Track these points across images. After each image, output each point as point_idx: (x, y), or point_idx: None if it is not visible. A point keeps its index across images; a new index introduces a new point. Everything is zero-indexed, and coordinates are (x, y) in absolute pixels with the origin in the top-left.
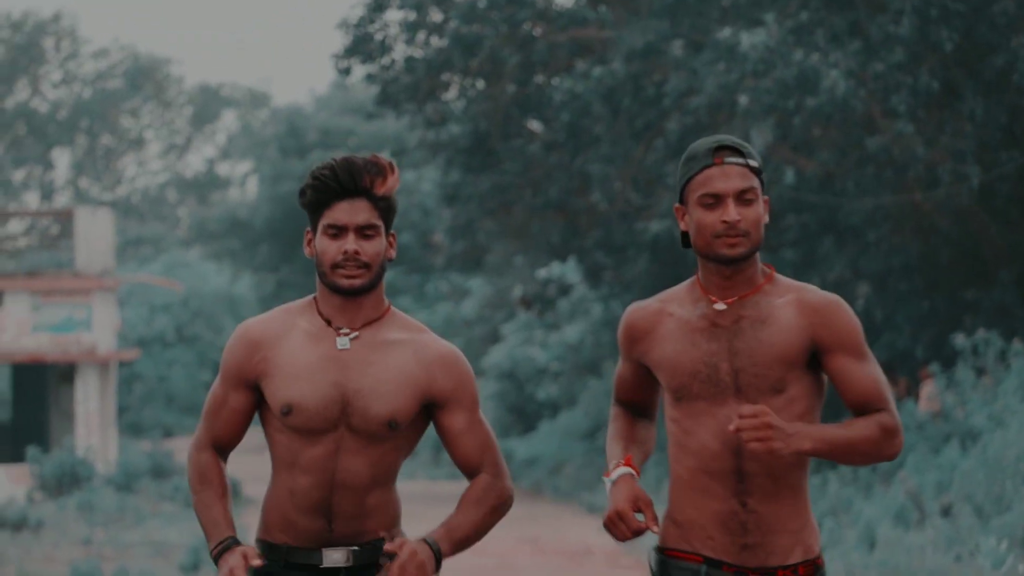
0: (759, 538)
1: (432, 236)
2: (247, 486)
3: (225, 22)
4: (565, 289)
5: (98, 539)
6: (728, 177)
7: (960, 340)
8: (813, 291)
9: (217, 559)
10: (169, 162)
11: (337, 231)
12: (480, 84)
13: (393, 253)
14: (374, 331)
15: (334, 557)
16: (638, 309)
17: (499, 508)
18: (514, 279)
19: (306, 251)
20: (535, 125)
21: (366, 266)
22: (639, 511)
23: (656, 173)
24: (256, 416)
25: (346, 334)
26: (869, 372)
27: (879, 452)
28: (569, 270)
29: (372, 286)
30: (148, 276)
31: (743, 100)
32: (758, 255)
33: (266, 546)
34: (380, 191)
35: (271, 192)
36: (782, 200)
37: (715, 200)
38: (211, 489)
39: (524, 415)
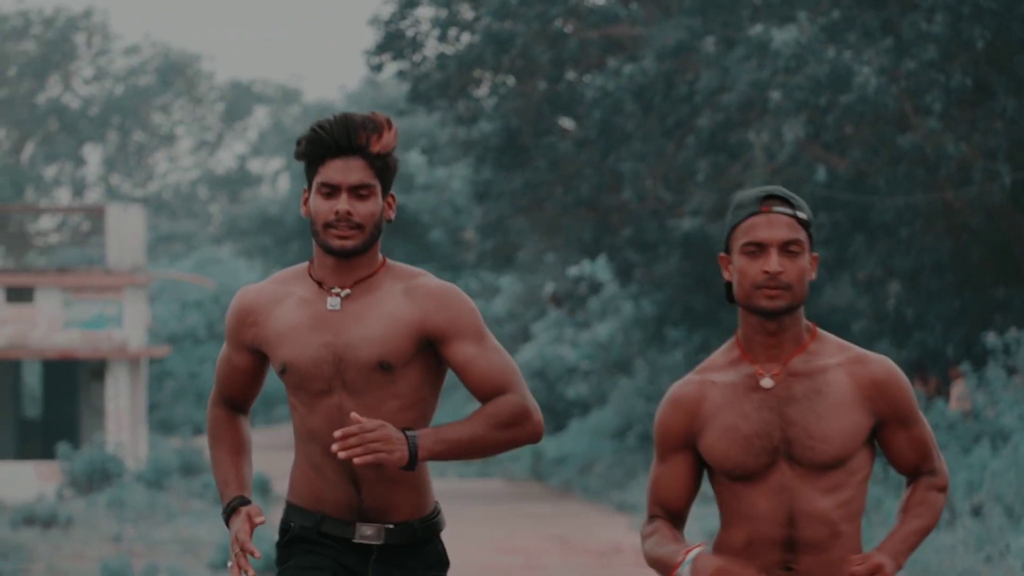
0: None
1: (463, 233)
2: (277, 483)
3: (256, 18)
4: (596, 287)
5: (128, 536)
6: (773, 226)
7: (991, 339)
8: (868, 357)
9: (227, 522)
10: (200, 159)
11: (331, 190)
12: (511, 81)
13: (392, 214)
14: (366, 287)
15: (366, 533)
16: (681, 386)
17: (514, 426)
18: (545, 277)
19: (302, 210)
20: (566, 122)
21: (359, 227)
22: None
23: (687, 171)
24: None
25: (336, 294)
26: (920, 437)
27: (937, 520)
28: (600, 268)
29: (365, 248)
30: (179, 273)
31: (775, 97)
32: (802, 312)
33: (299, 511)
34: (376, 148)
35: (301, 189)
36: (814, 197)
37: (758, 249)
38: (222, 445)
39: (554, 414)
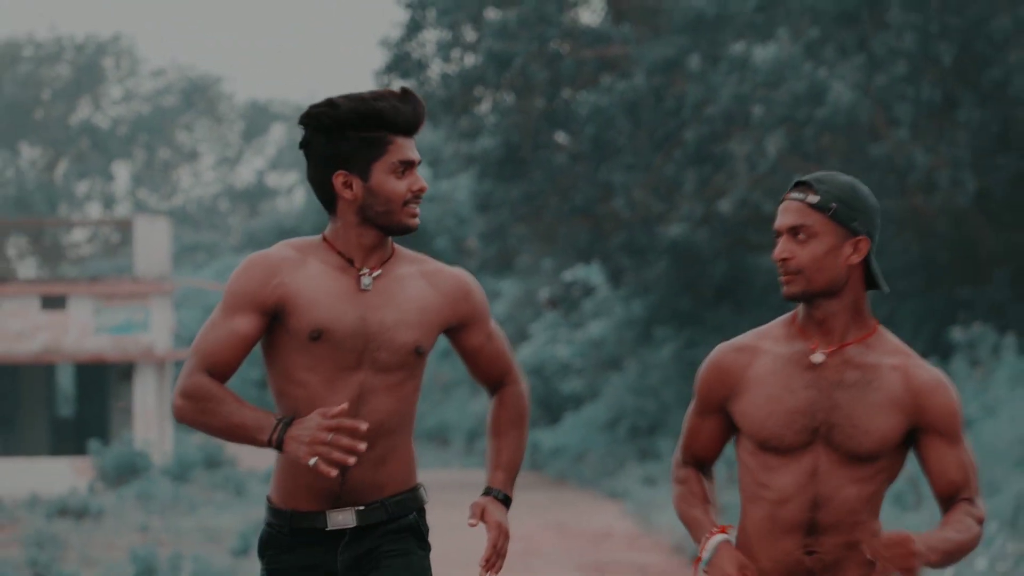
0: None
1: (466, 241)
2: None
3: (274, 42)
4: (589, 290)
5: (155, 526)
6: (784, 213)
7: (957, 334)
8: (921, 365)
9: (282, 437)
10: (221, 174)
11: (407, 167)
12: (511, 98)
13: None
14: (389, 268)
15: (339, 519)
16: (727, 349)
17: (527, 417)
18: (542, 281)
19: (345, 194)
20: (562, 137)
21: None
22: None
23: (675, 181)
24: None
25: (368, 274)
26: (962, 460)
27: (974, 546)
28: (593, 272)
29: None
30: (202, 280)
31: (757, 111)
32: (862, 300)
33: (273, 511)
34: (422, 127)
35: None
36: None
37: (777, 236)
38: (230, 398)
39: (550, 408)
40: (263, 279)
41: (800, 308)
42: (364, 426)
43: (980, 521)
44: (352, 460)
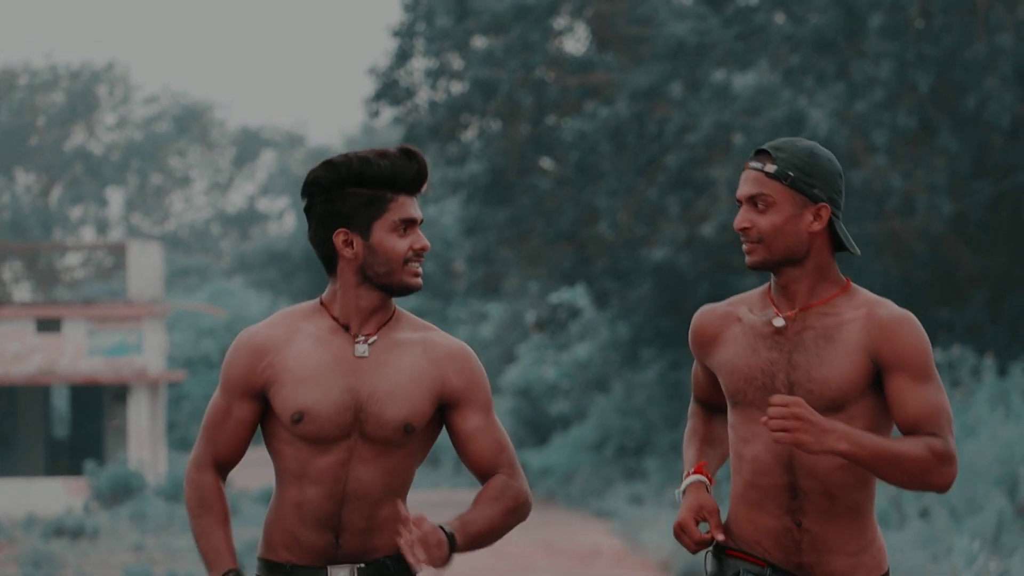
0: (814, 558)
1: (453, 264)
2: None
3: (264, 70)
4: (575, 312)
5: (149, 545)
6: (744, 183)
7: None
8: (885, 306)
9: None
10: (213, 199)
11: (408, 225)
12: (497, 125)
13: None
14: (387, 332)
15: (339, 575)
16: (707, 312)
17: (516, 511)
18: (528, 303)
19: (346, 252)
20: (547, 162)
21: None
22: (704, 520)
23: (658, 205)
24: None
25: (364, 340)
26: (927, 396)
27: (926, 476)
28: (579, 295)
29: None
30: (194, 304)
31: (738, 138)
32: (827, 264)
33: (268, 565)
34: (425, 187)
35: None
36: None
37: (739, 205)
38: (211, 514)
39: (538, 428)
40: (250, 363)
41: (772, 279)
42: None
43: (940, 454)
44: None
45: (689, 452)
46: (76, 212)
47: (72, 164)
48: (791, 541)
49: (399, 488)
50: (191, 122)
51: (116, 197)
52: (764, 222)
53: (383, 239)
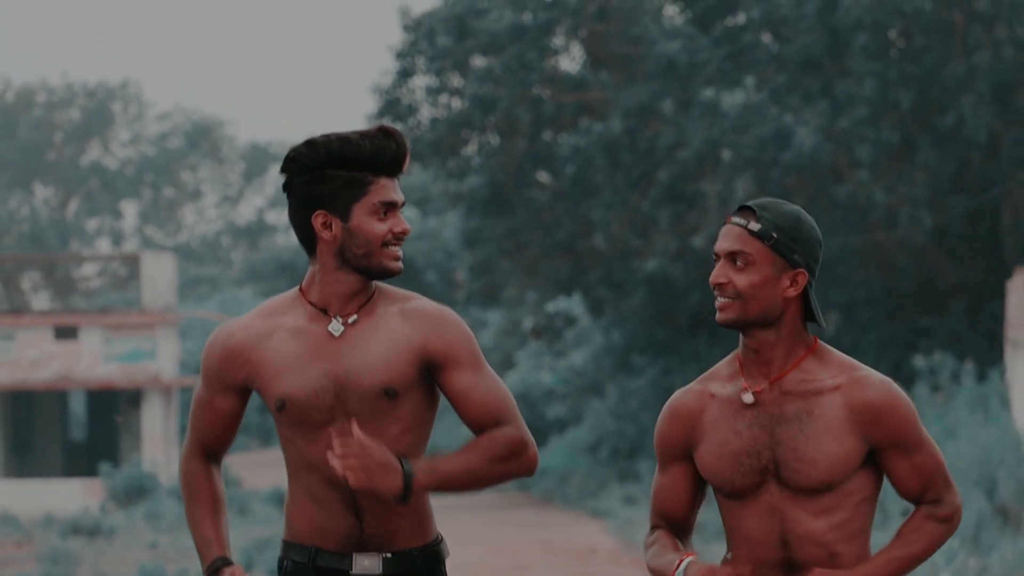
0: None
1: (454, 274)
2: None
3: (273, 88)
4: (571, 320)
5: (163, 544)
6: (724, 237)
7: (918, 362)
8: (865, 380)
9: None
10: (224, 211)
11: (388, 208)
12: (495, 140)
13: None
14: (367, 312)
15: (365, 563)
16: (680, 394)
17: (509, 459)
18: (526, 312)
19: (324, 234)
20: (544, 176)
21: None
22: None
23: (651, 217)
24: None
25: (340, 320)
26: (923, 465)
27: (944, 540)
28: (574, 303)
29: None
30: (206, 312)
31: (726, 154)
32: (798, 329)
33: (294, 548)
34: (406, 168)
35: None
36: None
37: (718, 259)
38: (200, 503)
39: (535, 432)
40: (226, 361)
41: (740, 340)
42: None
43: (945, 518)
44: None
45: (667, 555)
46: (92, 224)
47: (88, 178)
48: None
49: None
50: (202, 138)
51: (131, 210)
52: (742, 280)
53: (362, 222)
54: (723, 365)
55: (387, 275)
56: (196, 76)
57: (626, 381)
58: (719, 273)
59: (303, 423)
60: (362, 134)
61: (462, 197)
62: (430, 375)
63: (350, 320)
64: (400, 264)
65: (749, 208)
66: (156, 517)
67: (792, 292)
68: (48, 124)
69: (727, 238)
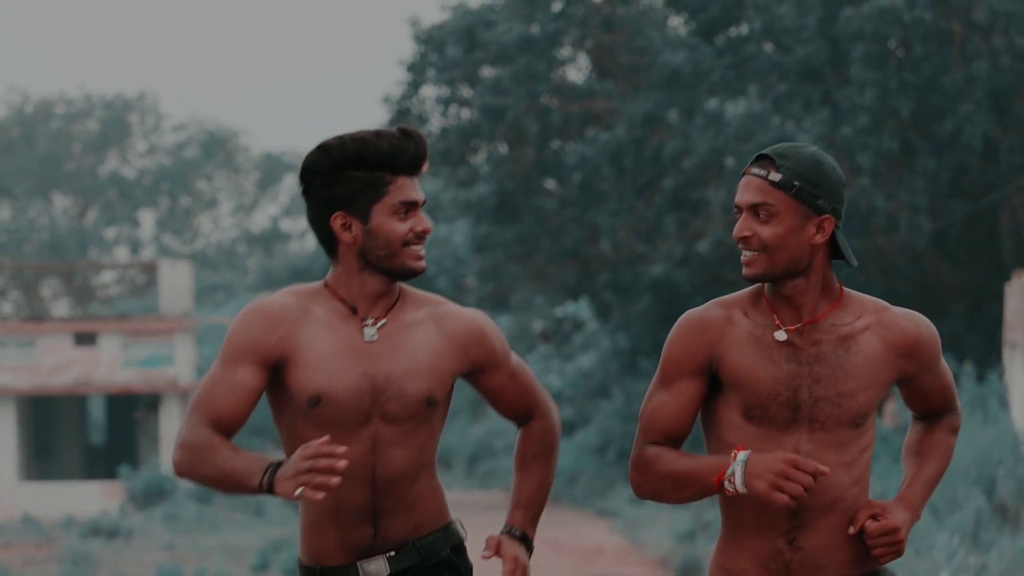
0: None
1: (464, 280)
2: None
3: (286, 98)
4: (578, 325)
5: (180, 544)
6: (745, 189)
7: None
8: (896, 317)
9: (272, 479)
10: (239, 219)
11: (409, 208)
12: (504, 149)
13: None
14: (395, 315)
15: (371, 568)
16: (701, 309)
17: (555, 450)
18: (534, 316)
19: (344, 236)
20: (552, 184)
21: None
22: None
23: (656, 224)
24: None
25: (372, 324)
26: (942, 383)
27: (950, 460)
28: (582, 308)
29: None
30: (222, 318)
31: (730, 162)
32: (827, 275)
33: (305, 570)
34: (425, 167)
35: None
36: None
37: (739, 212)
38: (226, 448)
39: None
40: (265, 329)
41: (766, 284)
42: (342, 450)
43: (958, 427)
44: (335, 480)
45: (687, 462)
46: (110, 233)
47: (106, 188)
48: (780, 565)
49: (428, 463)
50: (217, 148)
51: (148, 219)
52: (767, 232)
53: (383, 222)
54: (743, 298)
55: (411, 275)
56: (211, 88)
57: (632, 384)
58: (743, 226)
59: (334, 424)
60: (378, 134)
61: (471, 205)
62: (462, 377)
63: (379, 324)
64: (423, 263)
65: (767, 157)
66: (174, 519)
67: (819, 239)
68: (67, 135)
69: (748, 190)
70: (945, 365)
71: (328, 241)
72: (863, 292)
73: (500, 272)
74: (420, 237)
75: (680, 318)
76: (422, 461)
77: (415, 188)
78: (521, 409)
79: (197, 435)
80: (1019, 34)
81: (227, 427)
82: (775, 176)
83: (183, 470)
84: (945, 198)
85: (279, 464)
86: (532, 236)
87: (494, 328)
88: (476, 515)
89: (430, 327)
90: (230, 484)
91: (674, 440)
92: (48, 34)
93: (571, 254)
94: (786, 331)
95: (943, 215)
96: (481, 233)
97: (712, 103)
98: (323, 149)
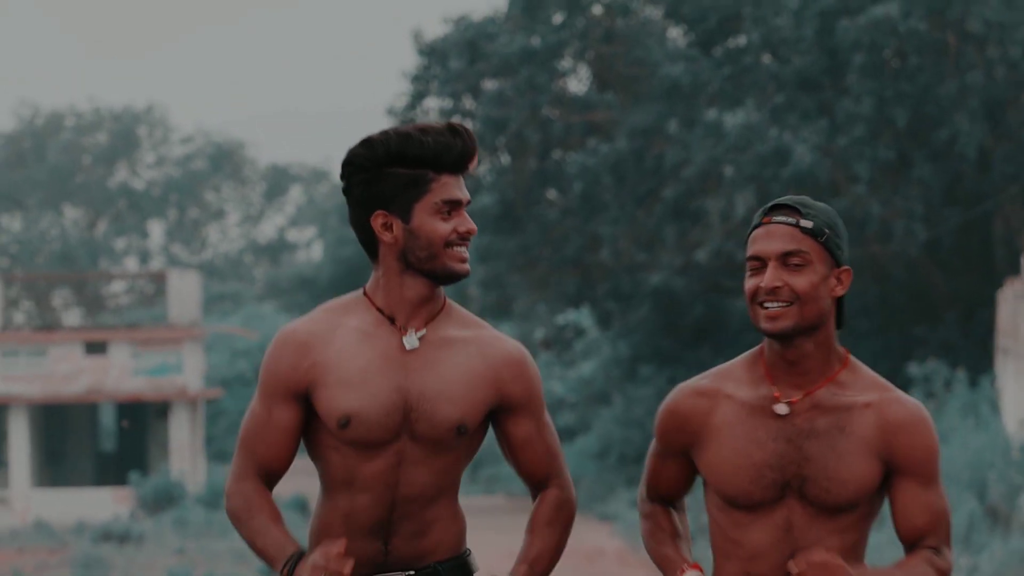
0: None
1: (467, 289)
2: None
3: (292, 111)
4: (580, 332)
5: (190, 549)
6: (772, 237)
7: (913, 369)
8: (896, 400)
9: (291, 573)
10: (246, 230)
11: (452, 207)
12: (507, 160)
13: None
14: (436, 327)
15: None
16: (687, 391)
17: (570, 524)
18: (537, 324)
19: (385, 236)
20: (553, 194)
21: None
22: None
23: (656, 233)
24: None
25: (414, 332)
26: (933, 504)
27: None
28: (583, 316)
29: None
30: (230, 327)
31: (728, 171)
32: (833, 336)
33: None
34: (474, 166)
35: (333, 254)
36: None
37: (760, 264)
38: (263, 515)
39: None
40: (293, 361)
41: (767, 347)
42: (347, 569)
43: (942, 571)
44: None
45: (666, 550)
46: (120, 243)
47: (116, 199)
48: None
49: (450, 487)
50: (224, 160)
51: (157, 229)
52: (800, 282)
53: (424, 222)
54: (739, 366)
55: (454, 278)
56: (218, 101)
57: (633, 390)
58: (773, 277)
59: (363, 443)
60: (423, 129)
61: (474, 215)
62: (490, 414)
63: (419, 333)
64: (466, 266)
65: (787, 206)
66: (183, 524)
67: (840, 291)
68: (77, 147)
69: (775, 238)
70: (944, 493)
71: (369, 242)
72: (858, 300)
73: (503, 281)
74: (464, 238)
75: (667, 398)
76: (444, 484)
77: (459, 187)
78: (542, 472)
79: (242, 490)
80: (1013, 44)
81: (274, 471)
82: (806, 223)
83: (230, 519)
84: (939, 206)
85: (300, 555)
86: (534, 245)
87: (535, 371)
88: (478, 518)
89: (472, 349)
90: (259, 556)
91: (669, 500)
92: (58, 48)
93: (572, 263)
94: (787, 404)
95: (937, 223)
96: (484, 243)
97: (711, 114)
98: (367, 143)
